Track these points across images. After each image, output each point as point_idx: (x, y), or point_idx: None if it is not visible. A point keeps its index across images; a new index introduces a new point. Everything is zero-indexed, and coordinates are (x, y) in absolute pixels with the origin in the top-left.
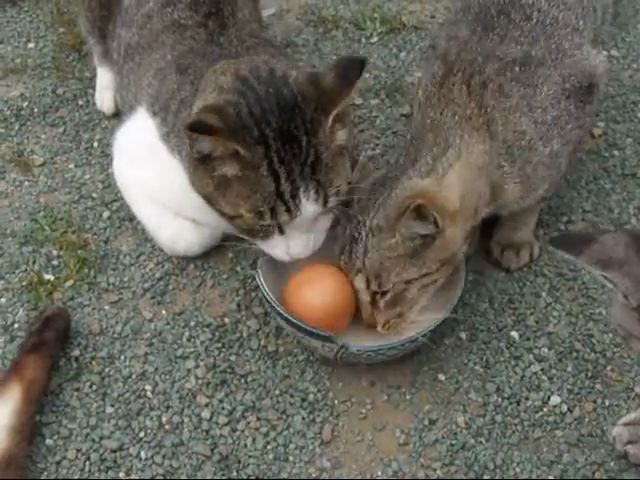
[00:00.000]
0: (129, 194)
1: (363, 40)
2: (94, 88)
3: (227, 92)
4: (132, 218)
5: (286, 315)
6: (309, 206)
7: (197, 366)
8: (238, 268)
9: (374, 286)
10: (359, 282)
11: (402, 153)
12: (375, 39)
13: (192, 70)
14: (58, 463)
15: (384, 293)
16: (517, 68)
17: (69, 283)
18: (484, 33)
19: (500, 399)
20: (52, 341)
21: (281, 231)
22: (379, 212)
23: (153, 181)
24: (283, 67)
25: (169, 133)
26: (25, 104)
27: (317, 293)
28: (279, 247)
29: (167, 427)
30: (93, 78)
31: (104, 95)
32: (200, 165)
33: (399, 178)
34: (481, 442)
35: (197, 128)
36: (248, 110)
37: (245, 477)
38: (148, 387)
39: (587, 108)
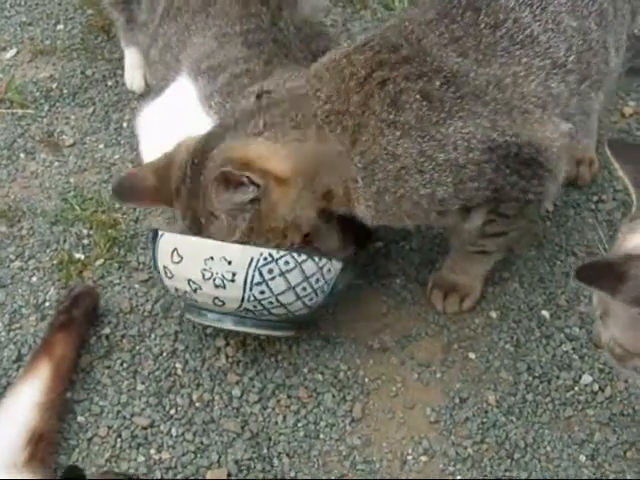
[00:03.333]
0: None
1: None
2: (123, 69)
3: None
4: None
5: None
6: None
7: (227, 344)
8: None
9: None
10: None
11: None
12: None
13: (262, 49)
14: (89, 440)
15: None
16: (437, 82)
17: (99, 262)
18: (436, 24)
19: (531, 378)
20: (80, 319)
21: None
22: (205, 195)
23: None
24: None
25: (214, 92)
26: (54, 85)
27: None
28: None
29: (198, 405)
30: (122, 59)
31: (134, 74)
32: None
33: (220, 142)
34: (512, 420)
35: None
36: None
37: (276, 454)
38: (179, 365)
39: (512, 179)
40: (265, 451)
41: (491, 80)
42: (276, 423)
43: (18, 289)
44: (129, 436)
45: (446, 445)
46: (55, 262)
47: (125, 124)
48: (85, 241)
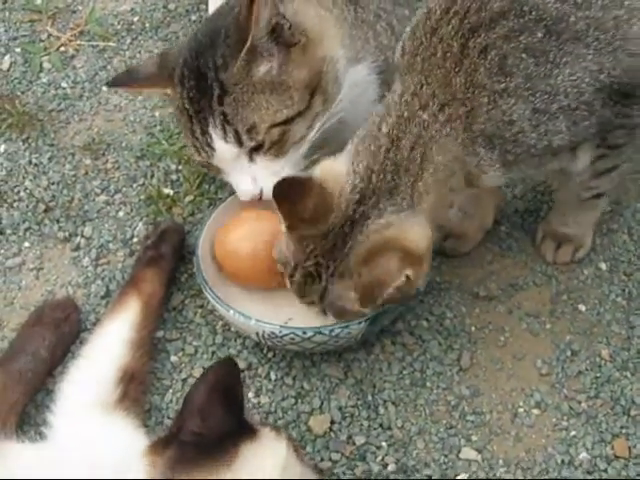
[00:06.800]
0: None
1: None
2: (206, 4)
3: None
4: None
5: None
6: (220, 143)
7: None
8: None
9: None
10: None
11: (370, 163)
12: None
13: None
14: (184, 380)
15: None
16: (539, 33)
17: (189, 198)
18: None
19: None
20: (169, 255)
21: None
22: (346, 260)
23: None
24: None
25: None
26: (136, 19)
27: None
28: (233, 185)
29: None
30: None
31: None
32: None
33: (369, 213)
34: (626, 376)
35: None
36: (187, 51)
37: (381, 402)
38: None
39: (616, 108)
40: (370, 398)
41: (591, 23)
42: (380, 370)
43: (104, 224)
44: None
45: (558, 399)
46: (143, 197)
47: None
48: (174, 176)
